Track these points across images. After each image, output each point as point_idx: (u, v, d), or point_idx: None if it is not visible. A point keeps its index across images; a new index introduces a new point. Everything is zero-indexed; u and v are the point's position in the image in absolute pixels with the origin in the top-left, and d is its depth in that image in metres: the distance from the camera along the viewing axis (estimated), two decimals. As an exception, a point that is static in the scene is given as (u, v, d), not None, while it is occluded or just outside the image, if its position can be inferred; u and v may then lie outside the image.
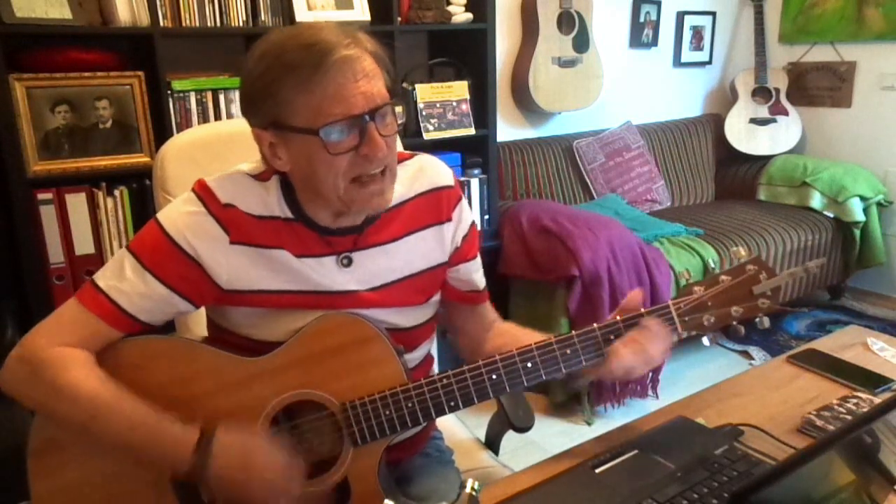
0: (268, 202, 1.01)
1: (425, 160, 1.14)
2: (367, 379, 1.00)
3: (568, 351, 1.02)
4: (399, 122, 0.98)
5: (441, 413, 1.01)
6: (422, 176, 1.11)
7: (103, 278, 1.00)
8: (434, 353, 1.28)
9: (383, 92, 0.94)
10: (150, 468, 0.99)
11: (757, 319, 1.04)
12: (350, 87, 0.90)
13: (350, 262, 1.05)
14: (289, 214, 1.02)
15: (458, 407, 1.01)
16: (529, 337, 1.14)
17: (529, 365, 1.01)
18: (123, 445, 0.96)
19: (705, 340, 1.07)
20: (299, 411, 1.03)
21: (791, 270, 1.05)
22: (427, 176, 1.11)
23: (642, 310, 1.04)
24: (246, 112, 0.98)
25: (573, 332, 1.03)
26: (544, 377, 1.02)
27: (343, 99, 0.90)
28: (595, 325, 1.03)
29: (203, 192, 1.01)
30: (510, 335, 1.18)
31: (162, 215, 1.01)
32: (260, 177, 1.03)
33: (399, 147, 1.38)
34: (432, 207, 1.11)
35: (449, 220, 1.12)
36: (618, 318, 1.04)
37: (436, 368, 1.27)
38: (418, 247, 1.09)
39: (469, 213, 1.16)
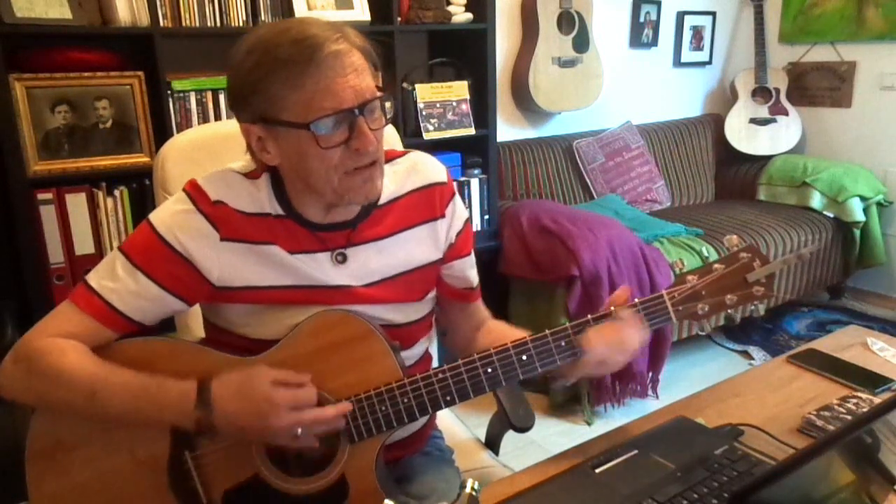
0: (258, 199, 1.02)
1: (418, 157, 1.14)
2: (363, 376, 1.01)
3: (563, 343, 1.02)
4: (387, 116, 0.99)
5: (437, 408, 1.01)
6: (414, 173, 1.11)
7: (95, 278, 1.00)
8: (434, 351, 1.29)
9: (372, 86, 0.95)
10: (156, 434, 0.99)
11: (752, 307, 1.04)
12: (340, 81, 0.91)
13: (345, 259, 1.05)
14: (279, 211, 1.03)
15: (453, 401, 1.01)
16: (519, 335, 1.14)
17: (525, 357, 1.01)
18: (127, 413, 0.96)
19: (707, 327, 1.07)
20: None
21: (784, 257, 1.06)
22: (420, 172, 1.12)
23: (636, 300, 1.04)
24: (234, 107, 0.98)
25: (568, 324, 1.03)
26: (540, 369, 1.02)
27: (333, 93, 0.91)
28: (589, 315, 1.03)
29: (193, 191, 1.02)
30: (500, 332, 1.19)
31: (153, 215, 1.02)
32: (250, 175, 1.04)
33: (398, 146, 1.39)
34: (425, 204, 1.11)
35: (442, 216, 1.12)
36: (612, 308, 1.04)
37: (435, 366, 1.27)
38: (411, 243, 1.10)
39: (463, 210, 1.16)
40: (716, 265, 1.04)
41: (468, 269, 1.19)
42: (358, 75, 0.93)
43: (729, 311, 1.04)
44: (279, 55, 0.90)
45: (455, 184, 1.16)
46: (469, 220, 1.18)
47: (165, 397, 0.95)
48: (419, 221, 1.10)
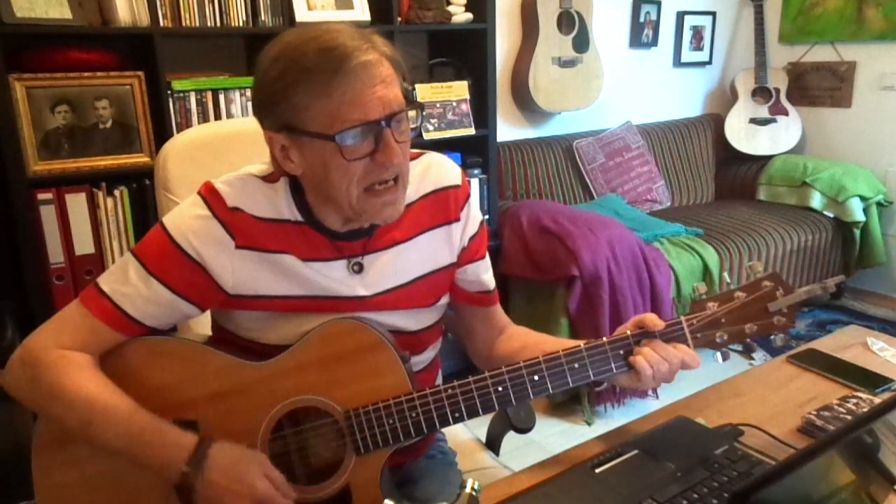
0: (276, 204, 1.00)
1: (434, 159, 1.12)
2: (372, 387, 0.99)
3: (576, 365, 0.99)
4: (413, 125, 0.97)
5: (445, 424, 0.99)
6: (429, 175, 1.10)
7: (107, 282, 0.99)
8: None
9: (399, 97, 0.93)
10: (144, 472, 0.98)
11: (771, 337, 1.02)
12: (367, 92, 0.89)
13: (361, 269, 1.04)
14: (298, 217, 1.01)
15: (462, 418, 0.99)
16: (542, 341, 1.13)
17: (536, 378, 0.99)
18: (119, 450, 0.95)
19: (718, 357, 1.03)
20: (303, 417, 1.02)
21: (808, 287, 1.02)
22: (434, 175, 1.10)
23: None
24: (258, 114, 0.96)
25: (581, 344, 1.01)
26: (551, 391, 0.99)
27: (360, 104, 0.89)
28: (605, 338, 1.01)
29: (209, 196, 0.99)
30: (521, 340, 1.17)
31: (167, 219, 1.00)
32: (268, 178, 1.02)
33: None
34: (440, 207, 1.09)
35: (457, 219, 1.10)
36: (628, 332, 1.01)
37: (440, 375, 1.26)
38: (427, 248, 1.08)
39: (478, 212, 1.14)
40: (737, 293, 1.01)
41: (482, 273, 1.16)
42: (386, 86, 0.91)
43: (748, 340, 1.02)
44: (305, 64, 0.88)
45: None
46: (484, 223, 1.16)
47: (159, 443, 0.94)
48: (434, 225, 1.09)
